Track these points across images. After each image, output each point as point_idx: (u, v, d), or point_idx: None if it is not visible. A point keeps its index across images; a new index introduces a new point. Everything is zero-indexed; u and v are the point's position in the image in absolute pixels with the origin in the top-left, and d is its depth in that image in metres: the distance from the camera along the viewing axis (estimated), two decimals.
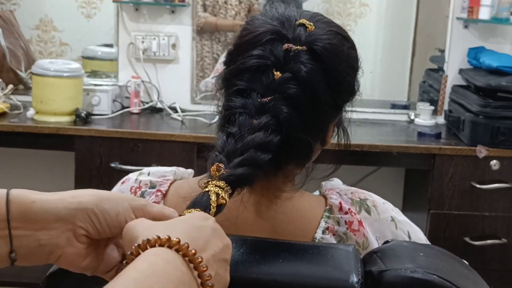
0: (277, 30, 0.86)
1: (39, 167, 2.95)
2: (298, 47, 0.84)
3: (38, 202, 0.68)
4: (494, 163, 2.37)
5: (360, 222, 0.92)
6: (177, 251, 0.60)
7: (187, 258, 0.60)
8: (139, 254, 0.61)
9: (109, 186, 1.06)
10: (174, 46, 2.83)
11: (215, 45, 2.96)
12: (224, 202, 0.74)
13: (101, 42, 3.08)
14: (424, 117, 2.78)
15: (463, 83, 2.74)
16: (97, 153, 2.39)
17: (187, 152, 2.38)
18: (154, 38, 2.81)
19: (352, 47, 0.91)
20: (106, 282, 0.58)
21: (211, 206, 0.72)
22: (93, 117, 2.55)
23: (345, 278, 0.75)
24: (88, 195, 0.70)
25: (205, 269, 0.61)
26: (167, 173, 0.99)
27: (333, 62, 0.85)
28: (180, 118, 2.66)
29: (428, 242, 0.99)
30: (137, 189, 0.99)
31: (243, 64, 0.85)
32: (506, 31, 2.80)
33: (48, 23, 3.09)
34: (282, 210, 0.91)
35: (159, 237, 0.61)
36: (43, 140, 2.43)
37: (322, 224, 0.91)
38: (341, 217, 0.91)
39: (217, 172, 0.76)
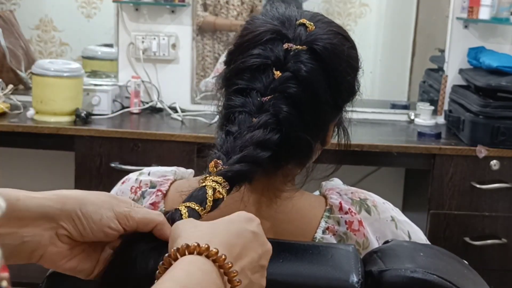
0: (278, 30, 0.86)
1: (39, 167, 2.95)
2: (298, 46, 0.84)
3: (23, 199, 0.68)
4: (494, 163, 2.37)
5: (360, 222, 0.92)
6: (214, 261, 0.61)
7: (222, 271, 0.61)
8: (177, 258, 0.61)
9: (109, 186, 1.06)
10: (174, 46, 2.83)
11: (216, 45, 2.96)
12: (221, 197, 0.74)
13: (101, 42, 3.08)
14: (424, 117, 2.78)
15: (463, 83, 2.74)
16: (97, 153, 2.39)
17: (187, 152, 2.38)
18: (154, 38, 2.81)
19: (353, 47, 0.91)
20: None
21: (207, 201, 0.73)
22: (93, 117, 2.55)
23: (345, 278, 0.75)
24: (73, 198, 0.70)
25: (238, 283, 0.62)
26: (167, 173, 0.99)
27: (333, 61, 0.85)
28: (180, 118, 2.66)
29: (428, 242, 0.99)
30: (137, 189, 0.99)
31: (243, 63, 0.85)
32: (506, 31, 2.80)
33: (48, 23, 3.09)
34: (282, 209, 0.91)
35: (198, 245, 0.61)
36: (43, 140, 2.43)
37: (322, 224, 0.91)
38: (341, 217, 0.92)
39: (215, 168, 0.76)
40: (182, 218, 0.71)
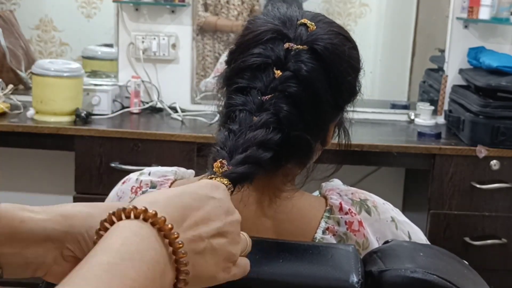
0: (279, 29, 0.86)
1: (39, 167, 2.95)
2: (299, 46, 0.84)
3: (27, 222, 0.66)
4: (494, 163, 2.37)
5: (360, 223, 0.92)
6: (160, 230, 0.57)
7: (167, 241, 0.57)
8: (112, 222, 0.58)
9: (109, 186, 1.06)
10: (174, 46, 2.83)
11: (217, 45, 2.96)
12: None
13: (101, 42, 3.08)
14: (424, 117, 2.78)
15: (463, 83, 2.74)
16: (97, 153, 2.39)
17: (187, 152, 2.38)
18: (154, 38, 2.81)
19: (354, 47, 0.91)
20: None
21: None
22: (93, 117, 2.55)
23: (345, 278, 0.75)
24: (79, 219, 0.68)
25: (180, 245, 0.57)
26: (168, 173, 0.99)
27: (334, 62, 0.86)
28: (180, 118, 2.66)
29: (428, 243, 0.99)
30: (138, 189, 0.99)
31: (244, 62, 0.85)
32: (506, 31, 2.80)
33: (48, 23, 3.09)
34: (282, 209, 0.91)
35: (135, 207, 0.57)
36: (43, 140, 2.43)
37: (322, 224, 0.91)
38: (341, 217, 0.92)
39: (220, 169, 0.75)
40: None
